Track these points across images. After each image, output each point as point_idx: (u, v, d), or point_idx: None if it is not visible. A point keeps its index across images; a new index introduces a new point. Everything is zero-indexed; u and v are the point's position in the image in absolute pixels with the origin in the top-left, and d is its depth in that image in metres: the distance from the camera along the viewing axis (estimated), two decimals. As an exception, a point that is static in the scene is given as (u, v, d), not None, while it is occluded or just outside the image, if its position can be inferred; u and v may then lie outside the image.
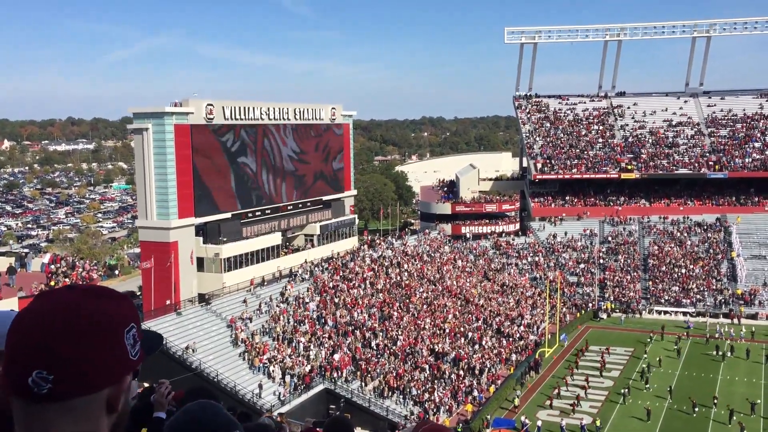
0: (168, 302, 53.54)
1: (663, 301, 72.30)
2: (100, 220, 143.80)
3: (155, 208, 56.16)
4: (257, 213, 64.14)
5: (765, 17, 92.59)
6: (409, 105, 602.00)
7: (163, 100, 67.24)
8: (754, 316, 68.33)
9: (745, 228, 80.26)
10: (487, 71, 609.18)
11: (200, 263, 58.22)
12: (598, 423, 44.50)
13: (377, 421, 44.86)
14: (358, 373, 49.04)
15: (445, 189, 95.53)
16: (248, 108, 63.02)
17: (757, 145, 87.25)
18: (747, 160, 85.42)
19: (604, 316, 70.90)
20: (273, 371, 46.97)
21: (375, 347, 52.19)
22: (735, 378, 53.45)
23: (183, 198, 56.50)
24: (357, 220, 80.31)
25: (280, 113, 66.68)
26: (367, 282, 61.89)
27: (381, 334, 54.04)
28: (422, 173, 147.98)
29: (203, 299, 54.49)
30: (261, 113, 64.37)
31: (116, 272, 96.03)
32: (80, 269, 56.19)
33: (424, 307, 60.91)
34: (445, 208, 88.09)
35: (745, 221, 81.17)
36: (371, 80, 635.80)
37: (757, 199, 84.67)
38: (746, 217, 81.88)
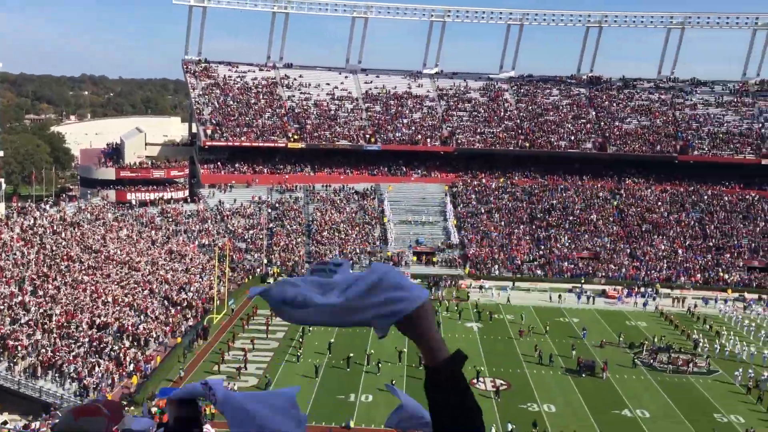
0: None
1: (325, 264, 77.02)
2: None
3: None
4: None
5: (416, 5, 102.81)
6: (67, 60, 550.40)
7: None
8: (401, 275, 76.19)
9: (395, 196, 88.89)
10: (157, 32, 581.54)
11: None
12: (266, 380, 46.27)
13: (30, 404, 41.30)
14: (6, 353, 44.41)
15: (109, 153, 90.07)
16: None
17: (405, 121, 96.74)
18: (397, 134, 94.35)
19: (271, 280, 73.50)
20: None
21: (26, 324, 47.67)
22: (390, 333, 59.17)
23: None
24: (4, 185, 72.12)
25: None
26: (18, 252, 56.08)
27: (33, 308, 49.49)
28: (83, 135, 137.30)
29: None
30: None
31: None
32: None
33: (85, 278, 57.15)
34: (109, 174, 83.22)
35: (396, 190, 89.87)
36: (22, 31, 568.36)
37: (405, 170, 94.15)
38: (397, 186, 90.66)
